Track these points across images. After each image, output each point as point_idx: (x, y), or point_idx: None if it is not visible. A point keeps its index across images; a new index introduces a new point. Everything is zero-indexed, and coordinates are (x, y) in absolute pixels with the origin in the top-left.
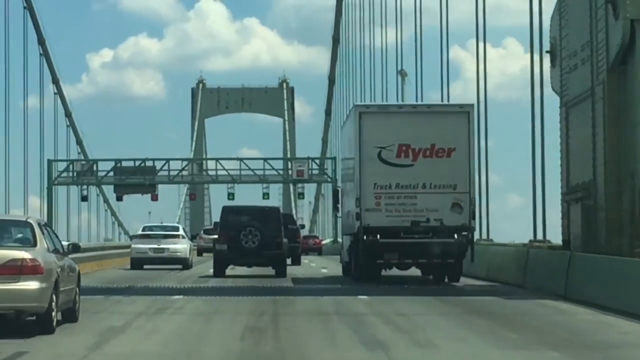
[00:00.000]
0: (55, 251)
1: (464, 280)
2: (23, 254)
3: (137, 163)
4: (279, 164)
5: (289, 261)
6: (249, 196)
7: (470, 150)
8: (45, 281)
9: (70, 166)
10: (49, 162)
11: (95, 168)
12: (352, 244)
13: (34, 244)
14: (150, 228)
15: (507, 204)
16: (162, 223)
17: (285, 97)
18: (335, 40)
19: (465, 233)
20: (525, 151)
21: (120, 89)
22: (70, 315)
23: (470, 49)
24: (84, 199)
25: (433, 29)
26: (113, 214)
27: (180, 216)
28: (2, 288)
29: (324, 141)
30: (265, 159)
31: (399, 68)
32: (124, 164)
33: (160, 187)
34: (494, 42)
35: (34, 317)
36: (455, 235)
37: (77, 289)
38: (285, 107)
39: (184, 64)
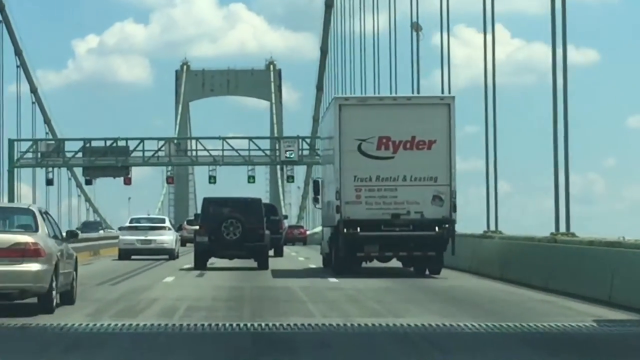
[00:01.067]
0: (55, 237)
1: (448, 274)
2: (26, 238)
3: (109, 143)
4: (265, 145)
5: (271, 252)
6: (232, 180)
7: (451, 142)
8: (46, 263)
9: (35, 146)
10: (10, 141)
11: (62, 148)
12: (333, 236)
13: (36, 229)
14: (137, 220)
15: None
16: (149, 215)
17: (272, 79)
18: (328, 6)
19: (446, 225)
20: None
21: (106, 75)
22: (67, 298)
23: (458, 34)
24: (49, 182)
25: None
26: (87, 199)
27: (162, 202)
28: (6, 269)
29: (315, 119)
30: (250, 138)
31: (413, 20)
32: (94, 144)
33: (141, 171)
34: (480, 27)
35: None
36: (436, 228)
37: (75, 273)
38: (272, 90)
39: (171, 50)
